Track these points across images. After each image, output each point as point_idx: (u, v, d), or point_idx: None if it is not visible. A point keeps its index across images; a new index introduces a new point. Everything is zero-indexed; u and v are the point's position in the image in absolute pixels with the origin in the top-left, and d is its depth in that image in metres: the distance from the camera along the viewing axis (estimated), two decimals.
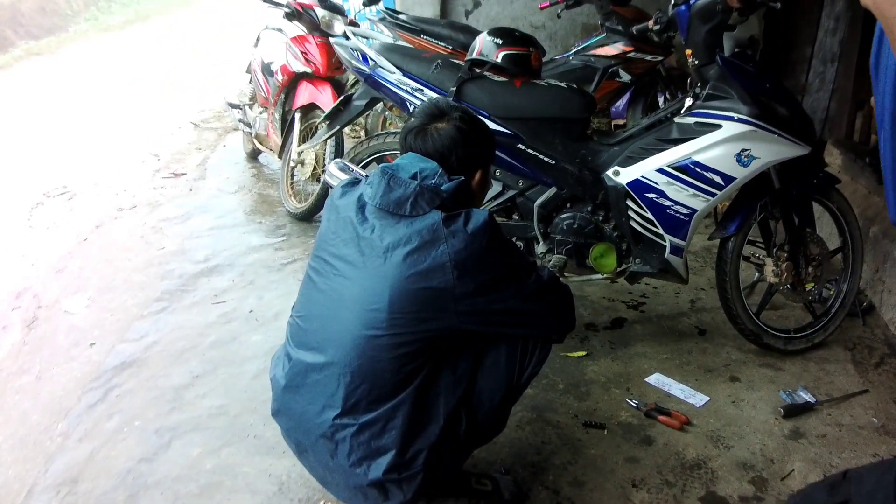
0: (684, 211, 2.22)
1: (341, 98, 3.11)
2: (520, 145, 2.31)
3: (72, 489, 1.87)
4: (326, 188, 2.92)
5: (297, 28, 3.69)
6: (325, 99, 3.41)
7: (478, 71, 2.42)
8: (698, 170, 2.16)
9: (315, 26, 3.56)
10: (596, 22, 4.29)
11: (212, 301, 2.82)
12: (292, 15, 3.59)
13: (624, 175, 2.26)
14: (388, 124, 4.04)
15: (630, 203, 2.28)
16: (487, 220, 1.44)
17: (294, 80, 3.65)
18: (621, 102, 4.46)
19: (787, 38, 4.36)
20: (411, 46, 3.03)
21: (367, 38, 2.90)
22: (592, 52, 3.70)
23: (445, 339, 1.50)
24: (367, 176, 1.59)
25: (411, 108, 2.42)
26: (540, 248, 2.44)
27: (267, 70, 3.94)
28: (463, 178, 1.54)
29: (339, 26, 3.49)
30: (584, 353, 2.46)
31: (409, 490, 1.52)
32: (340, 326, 1.48)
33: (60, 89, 7.38)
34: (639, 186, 2.24)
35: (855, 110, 3.65)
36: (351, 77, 3.55)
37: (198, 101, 6.52)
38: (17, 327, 3.03)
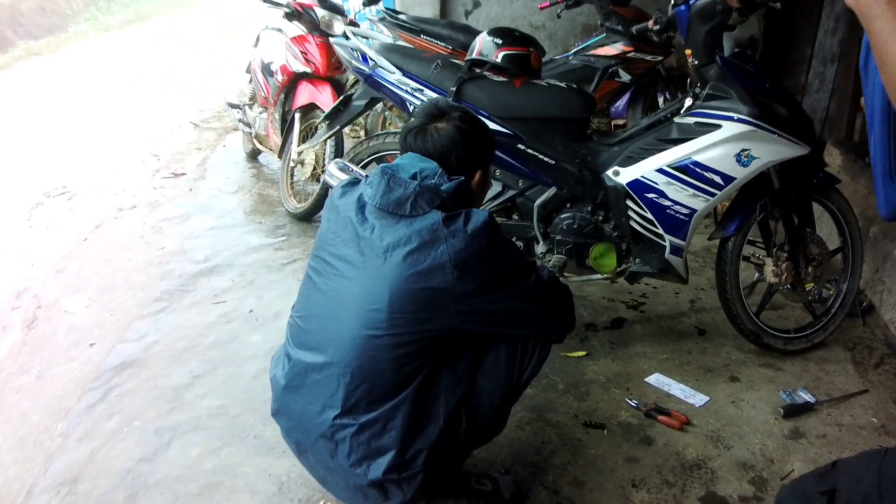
0: (684, 211, 2.22)
1: (341, 98, 3.11)
2: (520, 145, 2.31)
3: (72, 489, 1.87)
4: (326, 188, 2.93)
5: (297, 28, 3.69)
6: (325, 99, 3.41)
7: (478, 71, 2.42)
8: (698, 170, 2.16)
9: (315, 26, 3.56)
10: (596, 22, 4.29)
11: (212, 301, 2.82)
12: (292, 15, 3.59)
13: (624, 175, 2.26)
14: (387, 124, 4.05)
15: (630, 203, 2.28)
16: (487, 220, 1.44)
17: (294, 80, 3.65)
18: (621, 102, 4.46)
19: (787, 38, 4.36)
20: (411, 46, 3.03)
21: (366, 38, 2.90)
22: (592, 52, 3.70)
23: (445, 339, 1.50)
24: (366, 176, 1.59)
25: (411, 108, 2.42)
26: (540, 248, 2.44)
27: (267, 70, 3.94)
28: (463, 178, 1.54)
29: (338, 26, 3.49)
30: (583, 353, 2.46)
31: (409, 490, 1.52)
32: (340, 326, 1.48)
33: (60, 89, 7.38)
34: (639, 186, 2.24)
35: (855, 110, 3.65)
36: (351, 77, 3.55)
37: (198, 101, 6.52)
38: (16, 327, 3.03)
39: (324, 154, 3.47)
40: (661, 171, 2.20)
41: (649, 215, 2.26)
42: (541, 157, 2.31)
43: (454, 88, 2.31)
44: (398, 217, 1.45)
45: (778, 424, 2.11)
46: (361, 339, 1.44)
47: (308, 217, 3.56)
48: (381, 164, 1.58)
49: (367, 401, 1.47)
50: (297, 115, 3.56)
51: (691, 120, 2.18)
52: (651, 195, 2.23)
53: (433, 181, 1.48)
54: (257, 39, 4.22)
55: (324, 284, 1.54)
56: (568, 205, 2.41)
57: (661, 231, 2.27)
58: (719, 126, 2.12)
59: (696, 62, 2.19)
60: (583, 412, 2.14)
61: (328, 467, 1.55)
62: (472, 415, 1.58)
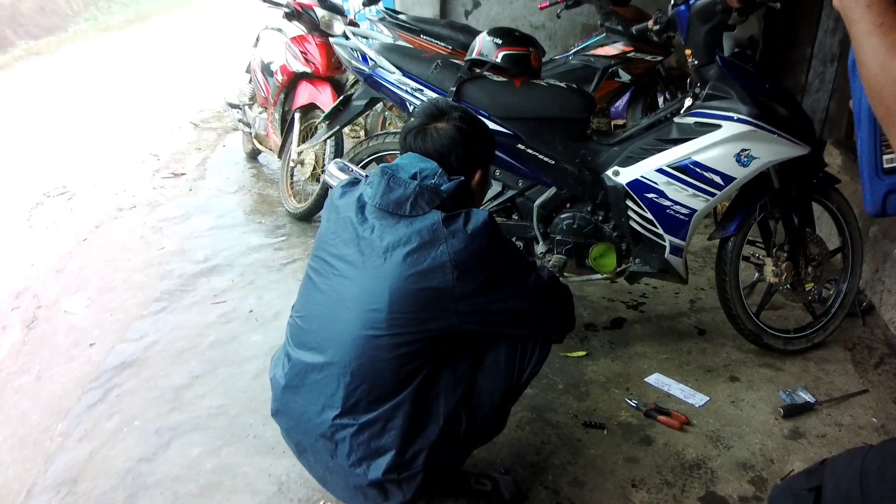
0: (684, 211, 2.22)
1: (341, 98, 3.11)
2: (519, 145, 2.31)
3: (71, 489, 1.87)
4: (326, 188, 2.93)
5: (297, 28, 3.69)
6: (325, 99, 3.41)
7: (477, 71, 2.42)
8: (698, 170, 2.16)
9: (315, 26, 3.56)
10: (596, 22, 4.29)
11: (211, 301, 2.82)
12: (292, 15, 3.59)
13: (623, 175, 2.26)
14: (387, 124, 4.05)
15: (630, 203, 2.28)
16: (487, 221, 1.44)
17: (294, 80, 3.65)
18: (621, 102, 4.46)
19: (787, 38, 4.36)
20: (411, 46, 3.03)
21: (366, 38, 2.90)
22: (592, 52, 3.70)
23: (445, 339, 1.50)
24: (366, 176, 1.59)
25: (411, 108, 2.42)
26: (540, 248, 2.44)
27: (267, 70, 3.94)
28: (463, 178, 1.54)
29: (338, 26, 3.49)
30: (583, 353, 2.46)
31: (409, 490, 1.52)
32: (340, 326, 1.48)
33: (60, 89, 7.38)
34: (638, 186, 2.24)
35: None
36: (350, 77, 3.55)
37: (198, 101, 6.51)
38: (16, 327, 3.03)
39: (324, 154, 3.47)
40: (660, 171, 2.20)
41: (649, 215, 2.26)
42: (541, 157, 2.31)
43: (454, 88, 2.31)
44: (398, 217, 1.45)
45: (778, 424, 2.11)
46: (361, 339, 1.44)
47: (308, 217, 3.56)
48: (381, 164, 1.58)
49: (367, 401, 1.47)
50: (297, 115, 3.56)
51: (691, 120, 2.18)
52: (651, 195, 2.23)
53: (433, 181, 1.48)
54: (257, 39, 4.22)
55: (324, 284, 1.54)
56: (568, 205, 2.41)
57: (660, 231, 2.27)
58: (719, 126, 2.12)
59: (696, 62, 2.19)
60: (582, 412, 2.14)
61: (328, 467, 1.55)
62: (472, 415, 1.58)
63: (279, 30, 3.93)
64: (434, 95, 2.34)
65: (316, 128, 3.51)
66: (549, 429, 2.06)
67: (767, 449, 2.00)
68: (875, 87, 0.72)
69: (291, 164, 3.60)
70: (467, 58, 2.53)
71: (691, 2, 2.14)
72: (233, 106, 4.57)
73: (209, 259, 3.20)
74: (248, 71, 4.37)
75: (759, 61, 2.26)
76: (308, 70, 3.54)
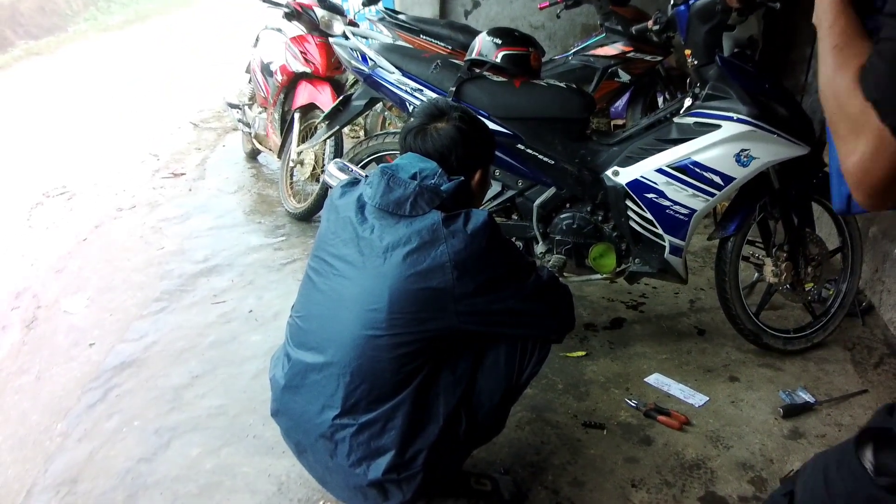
0: (683, 211, 2.22)
1: (340, 98, 3.11)
2: (519, 145, 2.31)
3: (71, 489, 1.87)
4: (326, 188, 2.92)
5: (297, 28, 3.69)
6: (325, 99, 3.41)
7: (477, 71, 2.42)
8: (697, 170, 2.16)
9: (314, 26, 3.56)
10: (595, 22, 4.29)
11: (211, 301, 2.82)
12: (292, 15, 3.59)
13: (623, 175, 2.26)
14: (387, 124, 4.04)
15: (629, 203, 2.28)
16: (487, 221, 1.44)
17: (293, 80, 3.65)
18: (621, 102, 4.46)
19: (786, 38, 4.36)
20: (411, 46, 3.03)
21: (366, 38, 2.90)
22: (592, 52, 3.70)
23: (445, 339, 1.50)
24: (366, 176, 1.59)
25: (411, 108, 2.42)
26: (539, 248, 2.44)
27: (266, 70, 3.93)
28: (462, 178, 1.54)
29: (338, 26, 3.49)
30: (583, 353, 2.46)
31: (409, 490, 1.52)
32: (340, 326, 1.48)
33: (60, 89, 7.38)
34: (638, 186, 2.24)
35: None
36: (350, 77, 3.55)
37: (197, 101, 6.51)
38: (16, 327, 3.03)
39: (323, 154, 3.47)
40: (660, 171, 2.20)
41: (649, 215, 2.26)
42: (540, 157, 2.31)
43: (454, 88, 2.31)
44: (398, 217, 1.45)
45: (777, 424, 2.11)
46: (361, 339, 1.44)
47: (307, 217, 3.56)
48: (380, 164, 1.58)
49: (366, 401, 1.47)
50: (297, 115, 3.56)
51: (691, 120, 2.18)
52: (650, 195, 2.23)
53: (433, 181, 1.48)
54: (257, 39, 4.21)
55: (323, 284, 1.54)
56: (567, 205, 2.41)
57: (660, 231, 2.27)
58: (719, 126, 2.12)
59: (696, 62, 2.19)
60: (582, 412, 2.14)
61: (328, 467, 1.55)
62: (471, 415, 1.58)
63: (279, 30, 3.93)
64: (434, 95, 2.34)
65: (315, 128, 3.51)
66: (549, 429, 2.06)
67: (767, 449, 2.00)
68: (822, 98, 0.80)
69: (291, 164, 3.60)
70: (467, 58, 2.53)
71: (691, 2, 2.14)
72: (232, 106, 4.57)
73: (209, 259, 3.20)
74: (247, 71, 4.37)
75: (758, 61, 2.26)
76: (308, 70, 3.54)
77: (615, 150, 2.32)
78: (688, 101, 2.26)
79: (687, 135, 2.17)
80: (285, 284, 2.95)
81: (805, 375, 2.37)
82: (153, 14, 12.84)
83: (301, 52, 3.56)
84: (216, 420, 2.10)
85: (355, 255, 1.47)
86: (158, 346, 2.51)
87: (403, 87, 2.43)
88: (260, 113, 4.14)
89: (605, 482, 1.85)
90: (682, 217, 2.23)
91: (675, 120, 2.22)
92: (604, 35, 3.73)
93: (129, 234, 3.57)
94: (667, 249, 2.30)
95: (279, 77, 3.74)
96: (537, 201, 2.40)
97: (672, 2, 2.21)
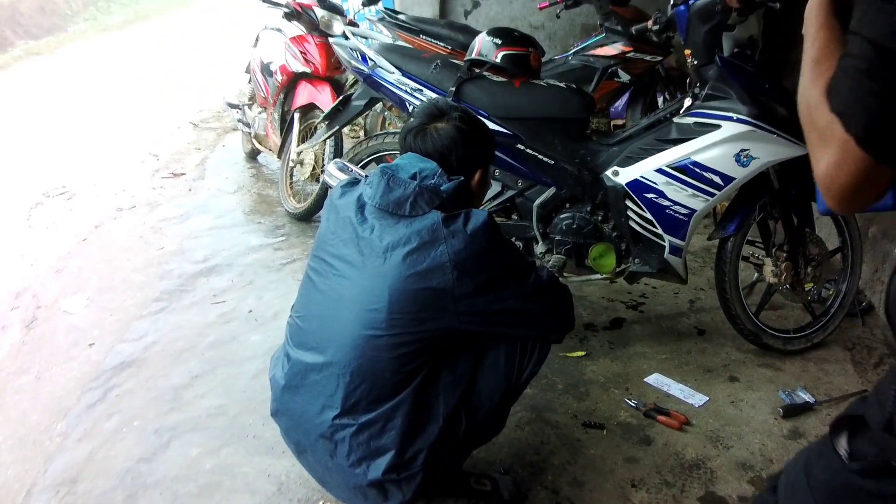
0: (683, 211, 2.22)
1: (340, 98, 3.11)
2: (519, 145, 2.31)
3: (71, 489, 1.87)
4: (325, 188, 2.92)
5: (297, 28, 3.69)
6: (325, 99, 3.41)
7: (477, 71, 2.42)
8: (697, 170, 2.16)
9: (314, 26, 3.56)
10: (595, 22, 4.28)
11: (211, 301, 2.82)
12: (291, 15, 3.59)
13: (623, 175, 2.26)
14: (387, 124, 4.04)
15: (629, 203, 2.28)
16: (487, 221, 1.44)
17: (293, 80, 3.65)
18: (620, 102, 4.45)
19: (786, 38, 4.35)
20: (410, 46, 3.03)
21: (366, 38, 2.90)
22: (591, 52, 3.69)
23: (445, 339, 1.50)
24: (366, 176, 1.59)
25: (410, 108, 2.42)
26: (539, 248, 2.44)
27: (266, 70, 3.93)
28: (462, 178, 1.54)
29: (338, 26, 3.49)
30: (583, 353, 2.46)
31: (409, 490, 1.52)
32: (340, 326, 1.48)
33: (60, 89, 7.38)
34: (638, 186, 2.24)
35: None
36: (350, 77, 3.55)
37: (197, 101, 6.51)
38: (16, 327, 3.03)
39: (323, 154, 3.47)
40: (660, 171, 2.20)
41: (648, 215, 2.26)
42: (540, 157, 2.31)
43: (453, 88, 2.31)
44: (398, 217, 1.45)
45: (777, 424, 2.11)
46: (361, 339, 1.44)
47: (307, 217, 3.56)
48: (380, 164, 1.58)
49: (366, 401, 1.47)
50: (297, 115, 3.56)
51: (690, 120, 2.18)
52: (650, 195, 2.23)
53: (433, 181, 1.48)
54: (257, 39, 4.21)
55: (323, 284, 1.54)
56: (567, 205, 2.41)
57: (660, 231, 2.27)
58: (718, 126, 2.12)
59: (696, 62, 2.20)
60: (582, 412, 2.14)
61: (327, 467, 1.55)
62: (471, 415, 1.58)
63: (279, 30, 3.93)
64: (433, 95, 2.34)
65: (315, 128, 3.51)
66: (549, 429, 2.06)
67: (767, 449, 2.00)
68: (798, 108, 0.83)
69: (291, 164, 3.60)
70: (467, 58, 2.53)
71: (691, 2, 2.15)
72: (232, 106, 4.56)
73: (208, 259, 3.20)
74: (247, 71, 4.37)
75: (758, 61, 2.26)
76: (307, 70, 3.54)
77: (615, 150, 2.32)
78: (688, 101, 2.26)
79: (687, 135, 2.17)
80: (285, 284, 2.95)
81: (805, 375, 2.37)
82: (153, 14, 12.84)
83: (301, 52, 3.56)
84: (216, 420, 2.10)
85: (355, 255, 1.47)
86: (158, 346, 2.51)
87: (403, 87, 2.43)
88: (260, 113, 4.14)
89: (604, 482, 1.85)
90: (681, 217, 2.23)
91: (675, 120, 2.23)
92: (604, 35, 3.73)
93: (128, 234, 3.57)
94: (666, 249, 2.30)
95: (279, 77, 3.74)
96: (537, 201, 2.40)
97: (672, 2, 2.21)
